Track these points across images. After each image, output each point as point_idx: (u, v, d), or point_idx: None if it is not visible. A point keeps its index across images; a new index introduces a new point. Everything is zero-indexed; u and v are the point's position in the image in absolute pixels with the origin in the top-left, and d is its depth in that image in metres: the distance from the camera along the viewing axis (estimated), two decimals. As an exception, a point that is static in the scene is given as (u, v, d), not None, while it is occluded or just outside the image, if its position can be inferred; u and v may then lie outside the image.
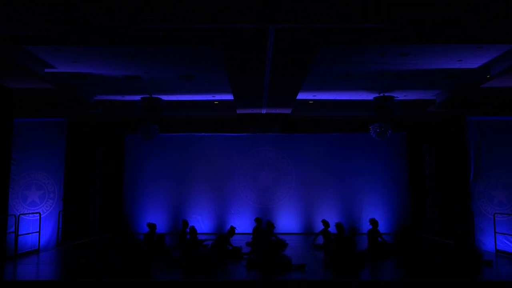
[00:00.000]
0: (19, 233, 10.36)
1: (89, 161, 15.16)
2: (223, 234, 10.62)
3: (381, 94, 12.10)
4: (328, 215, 14.95)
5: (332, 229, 11.36)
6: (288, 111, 14.66)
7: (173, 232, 14.40)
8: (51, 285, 7.77)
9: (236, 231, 10.83)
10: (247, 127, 15.96)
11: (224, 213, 15.45)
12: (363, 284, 7.89)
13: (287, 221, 15.17)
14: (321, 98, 12.93)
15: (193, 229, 9.85)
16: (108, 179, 15.51)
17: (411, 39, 7.93)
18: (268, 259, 8.63)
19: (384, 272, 9.24)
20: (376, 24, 7.27)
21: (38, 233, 11.00)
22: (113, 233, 14.31)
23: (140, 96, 12.29)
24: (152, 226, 11.02)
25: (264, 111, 14.68)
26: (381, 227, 11.60)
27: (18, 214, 10.58)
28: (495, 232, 10.90)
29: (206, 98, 12.97)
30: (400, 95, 12.26)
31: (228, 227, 11.02)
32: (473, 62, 9.39)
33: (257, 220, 12.75)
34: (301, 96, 12.35)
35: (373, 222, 10.87)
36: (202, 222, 15.22)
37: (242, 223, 14.37)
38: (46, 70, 9.55)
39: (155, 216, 14.65)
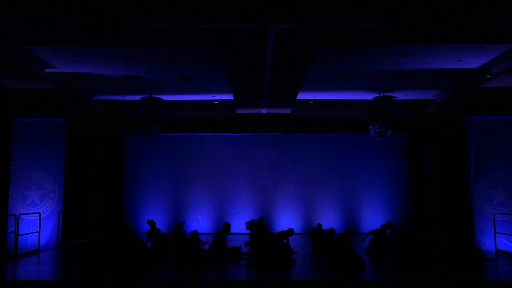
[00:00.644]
0: (19, 233, 10.38)
1: (89, 161, 15.14)
2: (220, 233, 10.59)
3: (381, 94, 12.04)
4: (328, 215, 14.97)
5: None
6: (288, 111, 14.65)
7: (173, 232, 14.38)
8: (51, 285, 7.77)
9: (236, 231, 10.83)
10: (247, 127, 15.94)
11: (223, 213, 15.42)
12: (363, 284, 7.88)
13: (287, 221, 15.15)
14: (321, 98, 12.93)
15: (194, 233, 9.59)
16: (108, 179, 15.50)
17: (411, 39, 7.94)
18: (268, 256, 8.60)
19: (384, 272, 9.22)
20: (376, 24, 7.28)
21: (38, 233, 11.02)
22: (113, 232, 14.29)
23: (140, 96, 12.26)
24: (152, 223, 10.98)
25: (264, 111, 14.67)
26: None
27: (18, 214, 10.59)
28: (495, 232, 10.91)
29: (206, 98, 12.97)
30: (400, 95, 12.25)
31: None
32: (473, 62, 9.40)
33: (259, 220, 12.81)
34: (301, 96, 12.35)
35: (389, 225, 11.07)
36: (202, 222, 15.23)
37: (242, 223, 14.33)
38: (46, 70, 9.57)
39: (155, 216, 14.58)
